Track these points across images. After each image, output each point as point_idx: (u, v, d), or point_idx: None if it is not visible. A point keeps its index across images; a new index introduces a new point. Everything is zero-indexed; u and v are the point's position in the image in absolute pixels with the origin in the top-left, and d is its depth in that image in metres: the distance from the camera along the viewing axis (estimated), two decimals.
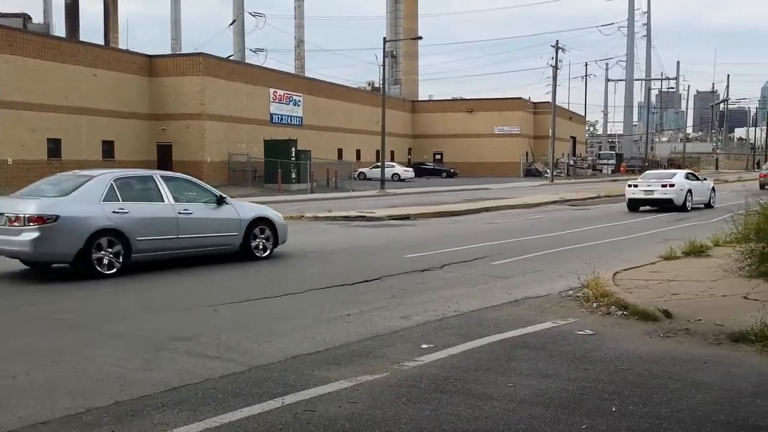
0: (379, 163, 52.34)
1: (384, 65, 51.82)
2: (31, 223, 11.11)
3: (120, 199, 12.02)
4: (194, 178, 14.33)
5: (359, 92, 72.55)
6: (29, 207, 11.35)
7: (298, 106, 56.85)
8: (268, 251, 14.12)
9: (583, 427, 5.04)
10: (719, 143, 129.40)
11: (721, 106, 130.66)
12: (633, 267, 11.86)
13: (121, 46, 63.74)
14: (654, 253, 13.31)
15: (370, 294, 10.22)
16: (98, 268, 11.52)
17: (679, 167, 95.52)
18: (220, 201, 13.53)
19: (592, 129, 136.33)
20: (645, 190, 27.09)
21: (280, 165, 45.89)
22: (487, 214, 27.31)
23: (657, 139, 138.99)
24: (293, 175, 47.26)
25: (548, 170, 68.38)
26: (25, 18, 50.33)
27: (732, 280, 10.48)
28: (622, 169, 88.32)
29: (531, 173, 76.03)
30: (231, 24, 76.66)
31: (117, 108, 43.89)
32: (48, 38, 43.66)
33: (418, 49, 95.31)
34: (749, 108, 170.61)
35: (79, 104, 41.17)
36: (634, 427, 5.05)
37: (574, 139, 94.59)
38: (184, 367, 6.48)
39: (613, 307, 8.84)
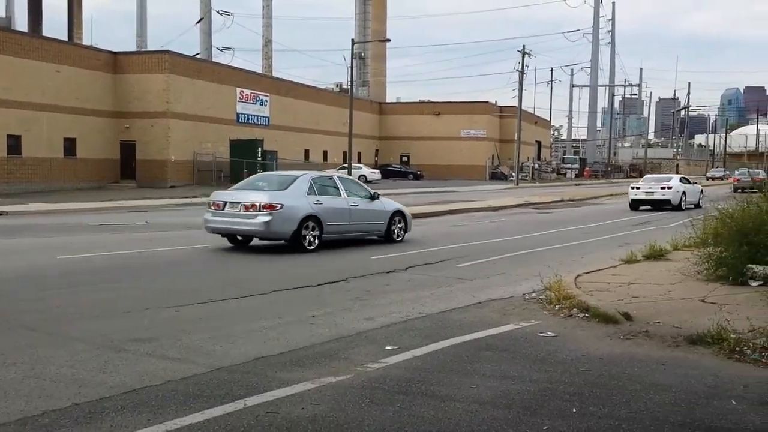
0: (346, 165, 52.30)
1: (352, 67, 51.85)
2: (265, 210, 14.80)
3: (316, 194, 15.77)
4: (355, 179, 18.96)
5: (327, 93, 72.42)
6: (262, 198, 15.04)
7: (265, 106, 56.55)
8: (401, 236, 17.59)
9: (545, 428, 5.08)
10: (680, 149, 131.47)
11: (682, 113, 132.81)
12: (595, 270, 12.01)
13: (86, 42, 62.74)
14: (615, 257, 13.49)
15: (335, 295, 10.20)
16: (304, 245, 15.07)
17: (641, 172, 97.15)
18: (373, 197, 17.24)
19: (556, 134, 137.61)
20: (646, 192, 30.91)
21: (246, 165, 45.59)
22: (452, 216, 27.44)
23: (620, 145, 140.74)
24: None
25: (514, 174, 68.90)
26: None
27: (690, 283, 10.67)
28: (585, 173, 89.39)
29: (497, 176, 76.53)
30: (198, 22, 76.03)
31: (80, 105, 43.14)
32: (9, 32, 42.72)
33: (386, 51, 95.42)
34: (709, 115, 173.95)
35: (41, 100, 40.31)
36: (594, 429, 5.11)
37: (539, 143, 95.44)
38: (144, 368, 6.40)
39: (574, 309, 8.94)
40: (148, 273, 12.28)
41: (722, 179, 77.61)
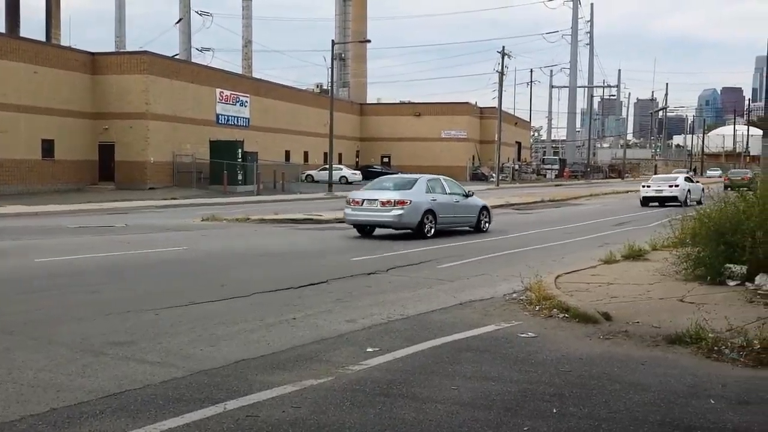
0: (327, 166, 52.22)
1: (332, 67, 51.80)
2: (398, 205, 18.59)
3: (431, 192, 19.51)
4: (452, 179, 22.09)
5: (307, 94, 72.28)
6: (395, 195, 18.82)
7: (245, 107, 56.33)
8: (486, 227, 20.92)
9: (525, 429, 5.10)
10: (658, 150, 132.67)
11: (660, 113, 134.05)
12: (574, 270, 12.08)
13: (64, 43, 62.17)
14: (595, 257, 13.57)
15: (317, 297, 10.18)
16: (424, 232, 18.76)
17: (620, 173, 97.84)
18: (467, 195, 20.66)
19: (536, 134, 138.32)
20: (656, 190, 34.62)
21: (226, 166, 45.38)
22: None
23: (599, 145, 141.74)
24: (239, 177, 46.77)
25: (494, 174, 69.14)
26: None
27: (669, 283, 10.75)
28: (565, 174, 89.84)
29: (477, 177, 76.77)
30: (177, 22, 75.60)
31: (58, 106, 42.72)
32: None
33: (367, 52, 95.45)
34: (687, 116, 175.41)
35: (18, 102, 39.86)
36: (574, 429, 5.13)
37: (519, 144, 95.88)
38: (124, 372, 6.36)
39: (555, 310, 8.98)
40: (128, 276, 12.19)
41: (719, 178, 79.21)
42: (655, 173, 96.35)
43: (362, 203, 19.29)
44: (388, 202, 18.69)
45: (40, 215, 27.67)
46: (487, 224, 21.04)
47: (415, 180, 19.95)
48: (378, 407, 5.49)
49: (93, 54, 46.58)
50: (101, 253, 15.01)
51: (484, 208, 21.05)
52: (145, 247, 16.28)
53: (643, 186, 36.25)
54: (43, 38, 55.56)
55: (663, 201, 33.71)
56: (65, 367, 6.50)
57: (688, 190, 33.96)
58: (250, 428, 5.05)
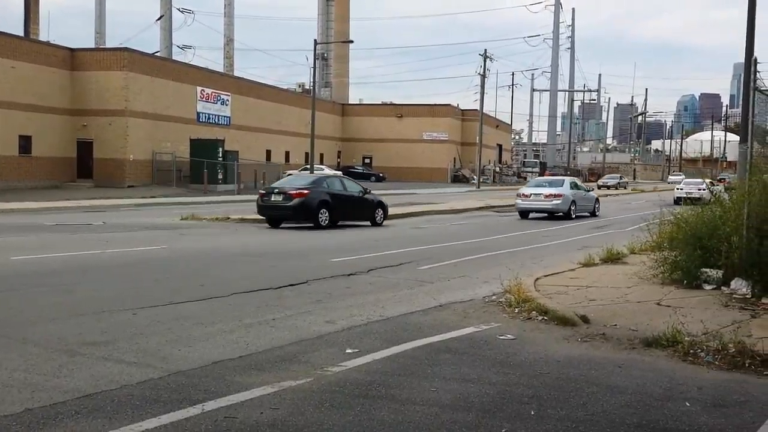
0: (308, 166, 52.09)
1: (315, 67, 51.70)
2: (557, 197, 27.34)
3: (572, 189, 28.61)
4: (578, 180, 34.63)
5: (289, 93, 72.10)
6: (553, 190, 27.72)
7: (226, 105, 56.09)
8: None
9: (503, 430, 5.11)
10: (637, 154, 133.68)
11: (639, 118, 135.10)
12: (553, 273, 12.14)
13: (43, 38, 61.62)
14: (574, 260, 13.64)
15: (296, 298, 10.14)
16: (572, 216, 27.37)
17: (599, 176, 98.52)
18: (588, 190, 30.48)
19: (517, 137, 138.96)
20: (687, 192, 36.38)
21: (207, 165, 45.14)
22: (414, 219, 27.51)
23: (579, 149, 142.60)
24: (220, 176, 46.56)
25: (475, 177, 69.34)
26: None
27: (646, 286, 10.84)
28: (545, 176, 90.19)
29: (458, 179, 76.96)
30: (158, 19, 75.15)
31: (36, 102, 42.31)
32: None
33: (349, 53, 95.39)
34: (665, 121, 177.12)
35: None
36: (552, 431, 5.15)
37: (500, 146, 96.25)
38: (100, 372, 6.29)
39: (534, 312, 9.02)
40: (105, 275, 12.08)
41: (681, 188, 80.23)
42: (634, 177, 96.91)
43: (530, 196, 27.96)
44: (550, 195, 27.48)
45: (16, 212, 27.37)
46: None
47: (563, 180, 30.04)
48: (357, 409, 5.48)
49: (72, 50, 46.18)
50: (78, 251, 14.87)
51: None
52: (124, 245, 16.15)
53: (678, 188, 38.73)
54: (21, 33, 54.95)
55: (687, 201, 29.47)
56: (40, 367, 6.42)
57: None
58: (228, 429, 5.02)
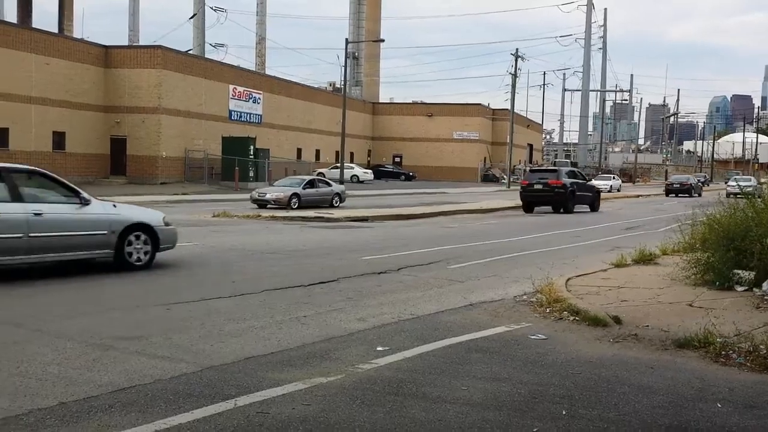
0: (338, 164, 52.25)
1: (346, 66, 51.82)
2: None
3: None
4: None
5: (320, 92, 72.30)
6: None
7: (258, 103, 56.44)
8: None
9: (535, 430, 5.10)
10: (669, 155, 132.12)
11: (672, 119, 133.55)
12: (585, 273, 12.04)
13: (77, 35, 62.44)
14: (605, 261, 13.52)
15: (326, 296, 10.19)
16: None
17: (631, 177, 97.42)
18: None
19: (548, 137, 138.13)
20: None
21: (238, 163, 45.46)
22: (444, 218, 27.46)
23: (610, 149, 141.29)
24: (251, 174, 46.84)
25: (505, 176, 69.02)
26: None
27: (678, 287, 10.71)
28: None
29: (488, 179, 76.64)
30: (191, 17, 75.81)
31: (70, 98, 42.91)
32: None
33: (380, 52, 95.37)
34: (697, 122, 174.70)
35: (30, 93, 40.03)
36: (584, 431, 5.13)
37: (531, 146, 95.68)
38: (133, 367, 6.37)
39: (565, 312, 8.96)
40: (140, 269, 12.21)
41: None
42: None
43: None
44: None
45: None
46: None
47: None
48: (388, 406, 5.50)
49: (106, 47, 46.74)
50: None
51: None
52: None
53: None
54: (55, 30, 55.76)
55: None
56: (74, 361, 6.51)
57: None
58: (261, 424, 5.06)
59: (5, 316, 8.37)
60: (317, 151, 65.58)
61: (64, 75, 42.47)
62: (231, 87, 53.15)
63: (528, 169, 40.27)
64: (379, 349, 7.21)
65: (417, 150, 77.32)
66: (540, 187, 30.91)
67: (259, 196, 30.77)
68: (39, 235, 10.78)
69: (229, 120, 52.61)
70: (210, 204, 31.01)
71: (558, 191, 30.31)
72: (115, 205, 12.61)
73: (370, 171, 67.05)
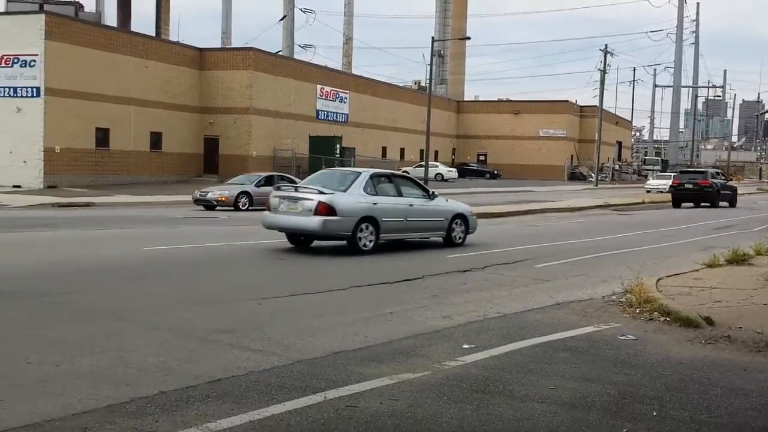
0: (423, 163, 52.33)
1: (431, 64, 51.83)
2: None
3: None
4: None
5: (405, 91, 72.56)
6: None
7: (344, 103, 57.11)
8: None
9: (624, 431, 5.05)
10: (763, 153, 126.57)
11: (767, 116, 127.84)
12: (676, 273, 11.75)
13: (173, 38, 64.57)
14: (697, 261, 13.14)
15: (412, 293, 10.28)
16: None
17: (724, 175, 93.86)
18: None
19: (638, 134, 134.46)
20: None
21: (324, 161, 46.07)
22: (530, 216, 27.18)
23: (702, 147, 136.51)
24: None
25: (593, 174, 67.65)
26: (77, 6, 50.62)
27: None
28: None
29: (575, 177, 75.27)
30: (281, 19, 77.31)
31: (166, 100, 44.39)
32: (99, 27, 44.13)
33: (466, 49, 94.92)
34: None
35: (128, 95, 41.56)
36: None
37: (620, 143, 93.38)
38: (228, 359, 6.58)
39: (656, 313, 8.78)
40: (231, 266, 12.61)
41: None
42: (759, 177, 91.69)
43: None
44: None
45: (146, 205, 28.90)
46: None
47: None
48: (475, 403, 5.53)
49: (201, 49, 48.15)
50: (204, 243, 15.57)
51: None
52: (248, 239, 16.78)
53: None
54: (152, 33, 57.79)
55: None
56: (172, 353, 6.75)
57: None
58: (350, 418, 5.18)
59: (107, 309, 8.75)
60: (402, 150, 65.84)
61: (162, 77, 43.98)
62: (318, 87, 53.96)
63: (679, 171, 45.06)
64: (465, 346, 7.25)
65: (502, 148, 76.61)
66: (690, 186, 36.46)
67: (200, 196, 27.32)
68: (412, 219, 15.29)
69: (317, 119, 53.42)
70: None
71: (707, 190, 35.76)
72: (447, 200, 16.87)
73: (454, 169, 66.87)
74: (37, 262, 12.36)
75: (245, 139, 46.81)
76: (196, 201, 27.39)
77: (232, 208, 26.54)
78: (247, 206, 26.66)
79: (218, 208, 26.81)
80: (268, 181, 27.41)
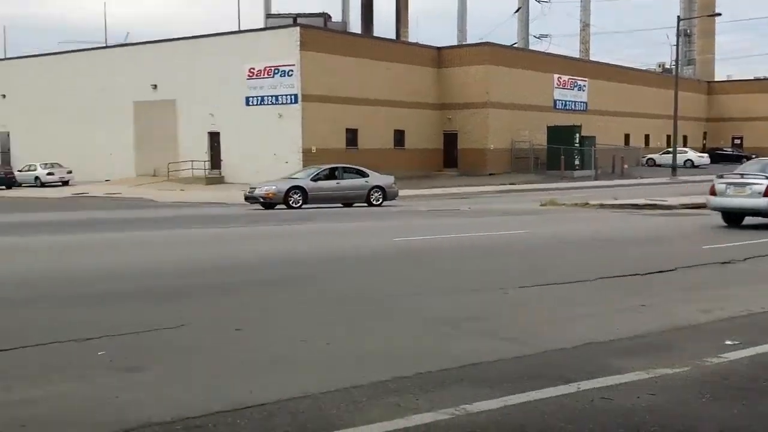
0: (670, 149, 49.51)
1: (678, 45, 48.87)
2: None
3: None
4: None
5: (648, 74, 69.00)
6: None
7: (583, 91, 55.57)
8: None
9: None
10: None
11: None
12: None
13: (411, 39, 66.70)
14: None
15: (664, 285, 9.80)
16: None
17: None
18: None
19: None
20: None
21: (563, 151, 45.26)
22: None
23: None
24: (576, 162, 46.37)
25: None
26: (326, 17, 54.17)
27: None
28: None
29: None
30: (516, 12, 76.86)
31: (407, 99, 46.04)
32: (345, 35, 47.04)
33: (716, 27, 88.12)
34: None
35: (373, 96, 43.76)
36: None
37: None
38: (478, 345, 6.72)
39: None
40: (476, 254, 12.83)
41: None
42: None
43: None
44: None
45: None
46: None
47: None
48: (743, 402, 5.16)
49: (438, 48, 49.34)
50: (452, 233, 15.98)
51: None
52: (489, 229, 16.95)
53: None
54: (393, 36, 60.10)
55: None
56: (425, 337, 7.04)
57: None
58: (605, 410, 5.06)
59: (363, 296, 9.28)
60: (646, 136, 62.74)
61: (403, 78, 45.73)
62: (555, 76, 53.00)
63: None
64: (728, 342, 6.78)
65: (761, 130, 70.15)
66: None
67: (249, 193, 25.45)
68: None
69: (554, 109, 52.53)
70: (537, 193, 31.34)
71: None
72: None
73: (705, 155, 62.45)
74: (307, 250, 13.42)
75: (483, 133, 47.21)
76: (247, 199, 25.74)
77: (283, 205, 24.64)
78: (300, 204, 24.68)
79: (277, 207, 24.77)
80: (331, 174, 26.25)
